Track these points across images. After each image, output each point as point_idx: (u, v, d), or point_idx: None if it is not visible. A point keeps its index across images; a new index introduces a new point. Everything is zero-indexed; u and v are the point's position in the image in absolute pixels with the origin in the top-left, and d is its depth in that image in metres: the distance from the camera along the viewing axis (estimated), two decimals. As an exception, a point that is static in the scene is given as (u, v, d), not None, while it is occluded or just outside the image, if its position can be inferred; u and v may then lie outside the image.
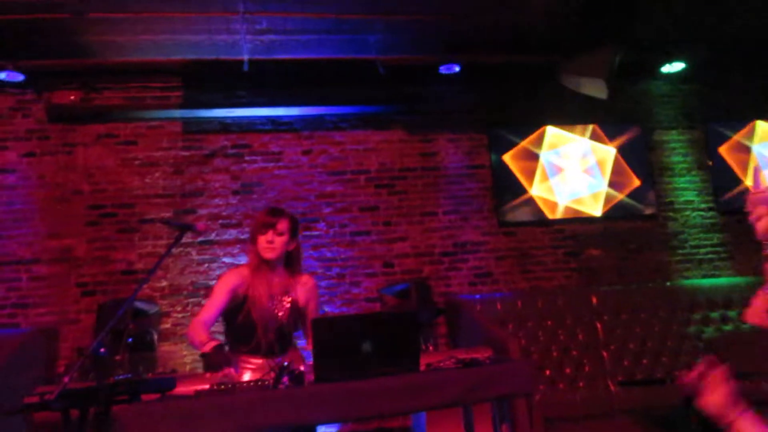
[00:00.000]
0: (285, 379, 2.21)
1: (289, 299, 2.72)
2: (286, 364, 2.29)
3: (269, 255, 2.69)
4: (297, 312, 2.74)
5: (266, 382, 2.24)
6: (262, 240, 2.69)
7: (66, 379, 2.28)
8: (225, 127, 4.76)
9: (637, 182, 5.14)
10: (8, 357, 3.68)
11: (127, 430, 1.98)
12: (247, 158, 4.74)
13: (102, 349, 2.46)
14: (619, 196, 5.10)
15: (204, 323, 2.58)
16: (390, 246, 4.76)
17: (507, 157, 4.99)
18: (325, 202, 4.73)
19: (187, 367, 4.32)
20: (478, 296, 4.57)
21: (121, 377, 2.41)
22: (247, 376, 2.58)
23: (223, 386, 2.20)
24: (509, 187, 4.95)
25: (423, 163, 4.94)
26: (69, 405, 2.46)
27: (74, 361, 3.75)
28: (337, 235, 4.70)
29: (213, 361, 2.34)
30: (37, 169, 4.55)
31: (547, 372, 4.26)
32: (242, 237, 4.61)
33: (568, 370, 4.29)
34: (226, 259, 4.55)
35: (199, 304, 4.45)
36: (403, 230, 4.80)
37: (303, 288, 2.78)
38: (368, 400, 2.11)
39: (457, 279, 4.79)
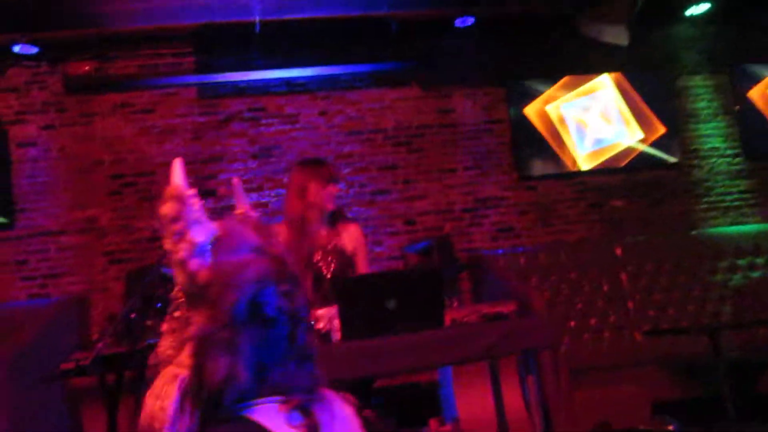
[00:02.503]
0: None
1: (338, 249, 2.73)
2: (312, 323, 2.32)
3: (332, 205, 2.70)
4: (345, 261, 2.74)
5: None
6: (326, 194, 2.68)
7: (100, 345, 2.34)
8: (240, 91, 4.73)
9: (660, 130, 5.03)
10: (43, 326, 3.78)
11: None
12: (263, 121, 4.72)
13: (132, 315, 2.51)
14: (643, 146, 5.01)
15: None
16: (410, 204, 4.75)
17: (526, 110, 4.91)
18: (343, 162, 4.72)
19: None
20: (500, 251, 4.56)
21: (153, 342, 2.46)
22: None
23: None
24: (529, 141, 4.88)
25: (440, 119, 4.88)
26: (104, 370, 2.53)
27: (107, 328, 3.83)
28: (357, 195, 4.70)
29: None
30: (57, 141, 4.59)
31: (572, 323, 4.27)
32: (263, 200, 4.63)
33: (593, 321, 4.30)
34: (248, 224, 4.58)
35: (224, 269, 4.51)
36: (423, 188, 4.78)
37: (349, 237, 2.79)
38: (394, 356, 2.14)
39: (478, 235, 4.78)
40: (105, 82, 4.63)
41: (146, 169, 4.60)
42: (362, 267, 2.85)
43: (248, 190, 4.64)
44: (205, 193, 2.96)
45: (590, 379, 3.62)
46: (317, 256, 2.69)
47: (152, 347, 2.63)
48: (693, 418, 3.33)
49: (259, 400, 1.00)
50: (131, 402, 2.52)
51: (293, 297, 1.06)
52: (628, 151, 4.99)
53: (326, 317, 2.41)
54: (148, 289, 3.42)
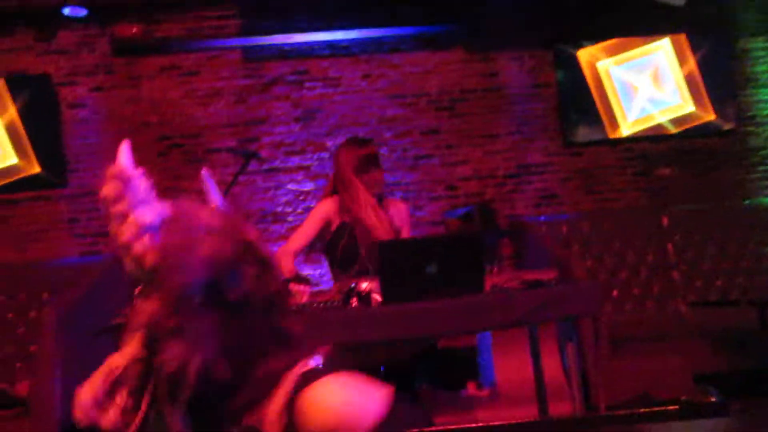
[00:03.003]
0: (353, 300, 2.28)
1: (388, 223, 2.77)
2: (353, 285, 2.35)
3: (378, 189, 2.74)
4: (395, 235, 2.79)
5: (335, 303, 2.31)
6: (369, 178, 2.72)
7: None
8: (284, 54, 4.73)
9: (716, 95, 4.83)
10: (94, 282, 3.93)
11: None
12: (307, 85, 4.72)
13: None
14: (695, 111, 4.83)
15: (289, 253, 2.68)
16: (452, 169, 4.72)
17: (574, 74, 4.77)
18: (386, 126, 4.70)
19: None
20: (542, 218, 4.51)
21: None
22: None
23: (293, 306, 2.29)
24: (576, 106, 4.76)
25: (484, 83, 4.79)
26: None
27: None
28: (399, 160, 4.68)
29: (292, 281, 2.45)
30: (106, 103, 4.69)
31: (615, 293, 4.22)
32: (305, 164, 4.67)
33: (636, 291, 4.24)
34: (291, 186, 4.64)
35: (268, 230, 4.59)
36: (465, 153, 4.73)
37: (396, 212, 2.83)
38: (434, 319, 2.16)
39: (521, 201, 4.73)
40: (151, 44, 4.69)
41: (192, 131, 4.68)
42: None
43: (290, 153, 4.68)
44: (247, 156, 3.00)
45: (631, 350, 3.59)
46: (369, 227, 2.72)
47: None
48: (736, 391, 3.28)
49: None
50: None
51: (263, 281, 0.98)
52: (680, 116, 4.82)
53: (305, 293, 2.47)
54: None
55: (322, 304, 2.31)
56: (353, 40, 4.70)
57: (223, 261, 0.95)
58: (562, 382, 3.02)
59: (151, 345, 0.93)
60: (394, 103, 4.73)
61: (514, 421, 2.92)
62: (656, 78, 4.82)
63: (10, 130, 4.56)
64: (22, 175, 4.55)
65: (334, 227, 2.74)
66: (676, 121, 4.82)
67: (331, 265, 2.84)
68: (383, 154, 4.65)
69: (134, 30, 4.70)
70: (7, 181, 4.54)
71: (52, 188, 4.60)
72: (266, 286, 0.98)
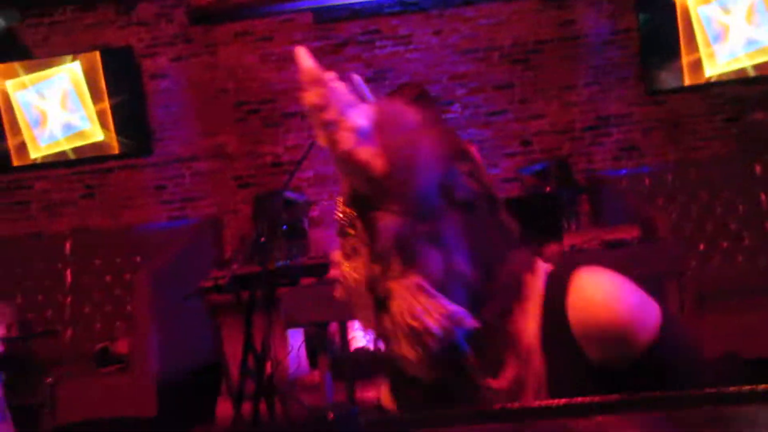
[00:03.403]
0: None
1: None
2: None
3: None
4: None
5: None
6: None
7: (235, 266, 2.55)
8: (354, 13, 4.70)
9: (817, 32, 4.44)
10: (183, 245, 4.16)
11: (290, 310, 2.20)
12: (378, 44, 4.70)
13: (262, 239, 2.70)
14: (793, 51, 4.46)
15: None
16: (527, 124, 4.60)
17: (657, 17, 4.50)
18: (458, 83, 4.62)
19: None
20: (623, 171, 4.35)
21: (281, 264, 2.65)
22: None
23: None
24: (660, 51, 4.50)
25: (560, 33, 4.59)
26: (239, 288, 2.77)
27: (239, 249, 4.16)
28: (473, 116, 4.61)
29: None
30: (186, 72, 4.85)
31: (701, 246, 4.04)
32: (378, 124, 4.68)
33: (724, 245, 4.04)
34: (364, 147, 4.67)
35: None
36: (541, 107, 4.60)
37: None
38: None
39: (599, 155, 4.57)
40: (225, 11, 4.77)
41: (267, 96, 4.77)
42: None
43: (363, 114, 4.70)
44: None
45: (719, 306, 3.46)
46: None
47: (281, 269, 2.82)
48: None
49: None
50: (263, 318, 2.75)
51: (477, 176, 0.89)
52: (776, 58, 4.47)
53: None
54: (274, 213, 3.64)
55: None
56: (423, -6, 4.61)
57: (445, 157, 0.87)
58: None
59: (407, 259, 0.83)
60: (465, 58, 4.63)
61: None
62: (750, 13, 4.47)
63: (100, 103, 4.80)
64: (111, 146, 4.81)
65: None
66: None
67: None
68: (455, 111, 4.60)
69: (208, -2, 4.79)
70: (97, 152, 4.82)
71: (138, 157, 4.84)
72: (481, 181, 0.89)
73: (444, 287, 0.82)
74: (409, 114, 0.89)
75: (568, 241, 2.32)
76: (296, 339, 3.58)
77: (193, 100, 4.86)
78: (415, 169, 0.84)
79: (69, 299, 4.29)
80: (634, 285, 0.85)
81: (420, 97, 2.77)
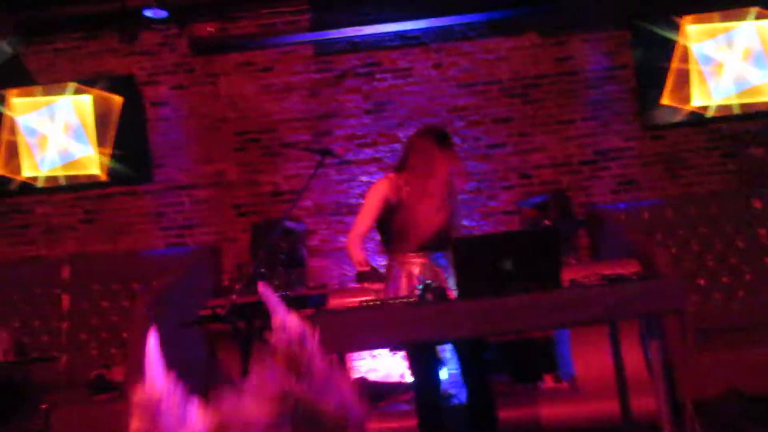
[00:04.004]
0: (429, 295, 2.30)
1: (444, 200, 2.77)
2: (429, 282, 2.37)
3: (464, 185, 2.76)
4: (450, 212, 2.80)
5: (411, 299, 2.34)
6: (453, 169, 2.74)
7: (234, 297, 2.54)
8: (354, 46, 4.77)
9: (811, 71, 4.51)
10: (182, 272, 4.14)
11: (289, 341, 2.17)
12: (377, 76, 4.75)
13: (262, 270, 2.69)
14: (789, 89, 4.53)
15: (362, 236, 2.75)
16: (526, 157, 4.64)
17: (652, 53, 4.57)
18: (457, 115, 4.67)
19: (335, 281, 4.60)
20: (622, 205, 4.37)
21: (280, 294, 2.62)
22: (416, 270, 2.69)
23: (371, 303, 2.34)
24: (656, 86, 4.56)
25: (558, 68, 4.66)
26: (237, 318, 2.75)
27: (237, 277, 4.13)
28: (471, 149, 4.64)
29: (366, 277, 2.50)
30: (187, 100, 4.89)
31: (701, 281, 4.04)
32: (377, 155, 4.71)
33: (724, 279, 4.05)
34: (364, 177, 4.69)
35: (342, 222, 4.67)
36: (539, 140, 4.64)
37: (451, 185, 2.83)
38: (510, 316, 2.14)
39: (598, 188, 4.60)
40: (227, 42, 4.84)
41: (267, 126, 4.81)
42: (458, 217, 2.93)
43: (362, 146, 4.73)
44: (322, 153, 3.04)
45: (720, 341, 3.44)
46: (429, 198, 2.74)
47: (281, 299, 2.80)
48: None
49: None
50: (261, 348, 2.73)
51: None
52: (772, 95, 4.54)
53: (379, 290, 2.50)
54: (274, 242, 3.64)
55: (397, 301, 2.34)
56: (423, 29, 4.68)
57: None
58: (645, 376, 2.94)
59: None
60: (465, 91, 4.69)
61: (595, 416, 2.87)
62: (743, 53, 4.54)
63: (101, 129, 4.83)
64: (111, 172, 4.82)
65: (393, 204, 2.76)
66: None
67: (385, 240, 2.86)
68: (455, 143, 4.62)
69: (211, 29, 4.86)
70: (98, 177, 4.82)
71: (139, 184, 4.85)
72: None
73: None
74: (248, 419, 0.97)
75: (567, 275, 2.31)
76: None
77: (193, 129, 4.89)
78: None
79: (66, 324, 4.25)
80: None
81: (442, 137, 2.84)
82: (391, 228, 2.78)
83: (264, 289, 1.17)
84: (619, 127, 4.62)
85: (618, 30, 4.64)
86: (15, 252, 4.86)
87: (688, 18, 4.56)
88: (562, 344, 3.38)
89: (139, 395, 0.98)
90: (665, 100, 4.57)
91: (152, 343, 1.07)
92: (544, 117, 4.64)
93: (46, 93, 4.86)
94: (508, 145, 4.65)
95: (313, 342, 1.09)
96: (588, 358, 3.16)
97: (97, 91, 4.83)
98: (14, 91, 4.85)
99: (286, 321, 1.11)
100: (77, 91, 4.83)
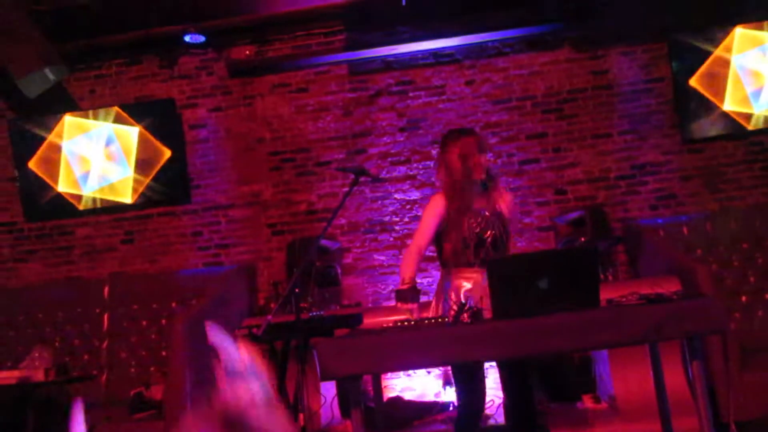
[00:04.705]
0: (464, 316, 2.29)
1: (496, 213, 2.77)
2: (464, 302, 2.36)
3: (480, 175, 2.74)
4: (503, 224, 2.79)
5: (446, 319, 2.33)
6: (471, 162, 2.73)
7: (270, 317, 2.56)
8: (388, 65, 4.81)
9: None
10: (218, 291, 4.20)
11: (324, 361, 2.19)
12: (411, 94, 4.78)
13: (297, 290, 2.71)
14: (834, 99, 4.39)
15: (418, 251, 2.76)
16: (561, 173, 4.59)
17: (691, 66, 4.50)
18: (491, 132, 4.65)
19: (369, 299, 4.61)
20: (660, 220, 4.29)
21: (315, 314, 2.65)
22: (468, 285, 2.68)
23: (405, 323, 2.33)
24: (695, 99, 4.48)
25: (594, 82, 4.62)
26: (273, 337, 2.78)
27: (273, 295, 4.17)
28: (506, 165, 4.62)
29: (402, 296, 2.51)
30: (224, 122, 4.99)
31: (743, 299, 3.93)
32: (411, 173, 4.72)
33: (768, 297, 3.93)
34: (398, 195, 4.71)
35: (376, 240, 4.69)
36: (575, 155, 4.59)
37: (506, 205, 2.82)
38: (546, 337, 2.12)
39: (635, 203, 4.52)
40: (263, 64, 4.93)
41: (302, 146, 4.87)
42: (513, 234, 2.89)
43: (396, 163, 4.75)
44: (357, 173, 3.06)
45: (764, 361, 3.33)
46: (475, 222, 2.73)
47: (315, 319, 2.82)
48: None
49: None
50: (296, 368, 2.75)
51: None
52: (816, 105, 4.41)
53: (414, 310, 2.49)
54: (309, 260, 3.67)
55: (433, 321, 2.33)
56: (456, 47, 4.70)
57: None
58: (687, 395, 2.86)
59: None
60: (498, 107, 4.68)
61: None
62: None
63: (143, 151, 4.96)
64: (152, 193, 4.94)
65: (447, 220, 2.77)
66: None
67: (441, 255, 2.87)
68: (489, 158, 4.59)
69: (247, 52, 4.96)
70: (138, 199, 4.95)
71: (177, 204, 4.96)
72: None
73: None
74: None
75: (604, 293, 2.28)
76: (329, 388, 3.56)
77: (230, 149, 4.98)
78: None
79: (106, 343, 4.35)
80: None
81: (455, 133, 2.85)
82: (442, 244, 2.79)
83: (211, 331, 1.07)
84: (656, 140, 4.55)
85: (655, 42, 4.58)
86: (57, 272, 5.00)
87: (726, 29, 4.48)
88: (600, 363, 3.32)
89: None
90: (704, 113, 4.48)
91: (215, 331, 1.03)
92: (580, 132, 4.60)
93: (88, 118, 5.02)
94: (543, 160, 4.62)
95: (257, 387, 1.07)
96: (628, 378, 3.09)
97: (135, 114, 4.97)
98: (58, 116, 5.02)
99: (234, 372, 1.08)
100: (118, 116, 4.98)
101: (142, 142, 4.95)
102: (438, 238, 2.82)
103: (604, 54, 4.63)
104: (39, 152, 5.03)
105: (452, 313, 2.34)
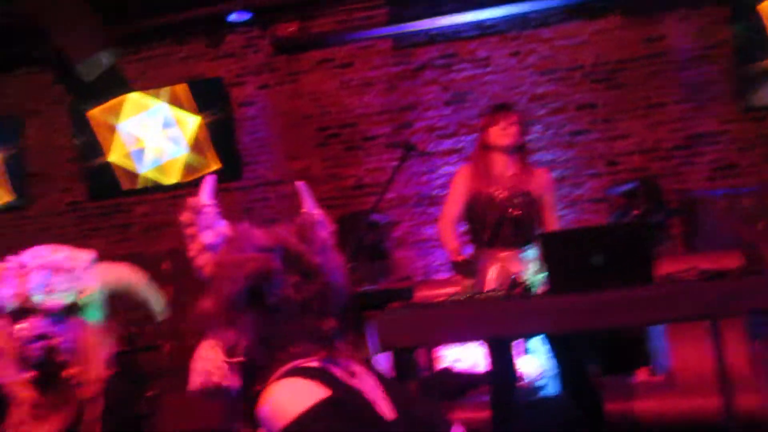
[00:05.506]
0: (516, 290, 2.29)
1: (524, 192, 2.76)
2: (515, 277, 2.37)
3: (506, 141, 2.74)
4: (532, 204, 2.77)
5: (499, 293, 2.34)
6: (496, 129, 2.74)
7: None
8: (431, 38, 4.76)
9: None
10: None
11: (379, 333, 2.24)
12: (455, 68, 4.73)
13: (349, 266, 2.75)
14: None
15: (452, 222, 2.80)
16: (612, 144, 4.48)
17: (752, 30, 4.29)
18: (538, 104, 4.57)
19: (419, 272, 4.64)
20: (719, 192, 4.15)
21: (368, 288, 2.69)
22: (493, 269, 2.68)
23: (458, 296, 2.36)
24: (756, 65, 4.28)
25: (647, 49, 4.45)
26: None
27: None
28: (555, 137, 4.54)
29: (462, 269, 2.54)
30: (272, 99, 5.04)
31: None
32: (457, 147, 4.70)
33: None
34: (445, 169, 4.69)
35: (425, 213, 4.70)
36: (626, 126, 4.46)
37: (537, 181, 2.80)
38: (599, 312, 2.11)
39: (691, 175, 4.38)
40: (308, 40, 4.95)
41: (348, 121, 4.89)
42: (549, 212, 2.86)
43: (443, 137, 4.73)
44: (407, 148, 3.08)
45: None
46: (502, 195, 2.73)
47: (369, 293, 2.87)
48: None
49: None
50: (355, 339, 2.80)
51: (303, 288, 1.19)
52: None
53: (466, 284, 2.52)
54: (359, 235, 3.71)
55: (484, 295, 2.35)
56: (500, 18, 4.60)
57: (264, 274, 1.19)
58: (749, 371, 2.81)
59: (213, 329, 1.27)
60: (546, 79, 4.58)
61: (693, 412, 2.77)
62: None
63: (195, 130, 5.07)
64: (205, 171, 5.06)
65: (475, 193, 2.77)
66: None
67: (468, 230, 2.87)
68: (536, 131, 4.53)
69: (291, 29, 4.98)
70: (192, 177, 5.08)
71: (229, 181, 5.06)
72: (304, 292, 1.19)
73: (232, 354, 1.23)
74: (252, 240, 1.24)
75: (661, 269, 2.24)
76: (382, 360, 3.61)
77: (278, 126, 5.04)
78: (227, 280, 1.21)
79: (167, 316, 4.52)
80: (290, 394, 1.11)
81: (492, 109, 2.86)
82: (474, 220, 2.80)
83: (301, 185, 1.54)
84: (715, 109, 4.38)
85: (714, 6, 4.38)
86: (119, 249, 5.19)
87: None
88: (656, 337, 3.28)
89: (190, 200, 1.46)
90: (765, 79, 4.29)
91: (209, 182, 1.52)
92: (632, 102, 4.46)
93: (142, 98, 5.15)
94: (593, 131, 4.51)
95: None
96: (686, 352, 3.04)
97: (186, 93, 5.07)
98: (114, 98, 5.17)
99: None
100: (171, 96, 5.09)
101: (194, 121, 5.06)
102: (465, 215, 2.82)
103: (658, 19, 4.46)
104: (97, 133, 5.20)
105: (504, 287, 2.35)
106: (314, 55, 4.97)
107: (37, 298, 1.51)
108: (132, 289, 1.69)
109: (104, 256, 5.07)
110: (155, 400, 3.55)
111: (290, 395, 1.10)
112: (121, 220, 5.26)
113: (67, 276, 1.55)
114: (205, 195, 1.47)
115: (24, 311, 1.51)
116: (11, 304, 1.51)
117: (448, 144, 4.73)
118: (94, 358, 1.61)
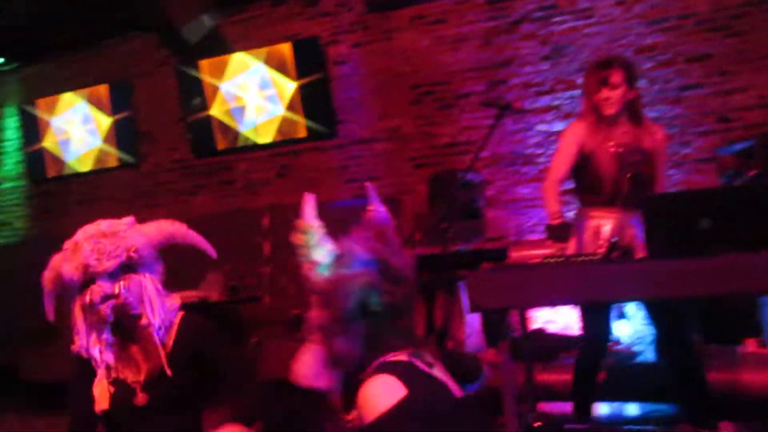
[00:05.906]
0: (615, 254, 2.24)
1: (637, 150, 2.67)
2: (615, 240, 2.30)
3: (609, 110, 2.65)
4: (647, 162, 2.69)
5: (596, 257, 2.29)
6: (598, 98, 2.65)
7: (417, 248, 2.67)
8: (529, -11, 4.58)
9: None
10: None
11: (473, 294, 2.26)
12: (555, 20, 4.53)
13: (443, 225, 2.79)
14: None
15: (559, 182, 2.75)
16: (726, 98, 4.16)
17: None
18: (644, 56, 4.30)
19: (512, 232, 4.59)
20: None
21: (462, 248, 2.71)
22: (607, 227, 2.63)
23: (554, 259, 2.33)
24: None
25: (772, -8, 4.08)
26: (421, 269, 2.89)
27: (416, 227, 4.29)
28: (661, 92, 4.28)
29: (555, 234, 2.50)
30: (364, 58, 5.07)
31: None
32: (554, 103, 4.54)
33: None
34: (541, 127, 4.57)
35: (518, 172, 4.62)
36: (745, 79, 4.11)
37: (650, 138, 2.70)
38: (703, 279, 2.01)
39: (819, 132, 4.02)
40: (400, -3, 4.90)
41: (441, 78, 4.84)
42: (660, 172, 2.77)
43: (539, 93, 4.58)
44: (502, 107, 3.01)
45: None
46: (619, 151, 2.64)
47: (462, 253, 2.89)
48: None
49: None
50: (444, 299, 2.85)
51: (394, 293, 1.41)
52: None
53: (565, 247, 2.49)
54: (452, 194, 3.72)
55: (581, 259, 2.31)
56: (606, -37, 4.35)
57: (369, 287, 1.41)
58: None
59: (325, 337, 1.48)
60: (653, 29, 4.30)
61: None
62: None
63: (292, 90, 5.21)
64: (301, 130, 5.21)
65: (586, 152, 2.70)
66: None
67: (578, 190, 2.81)
68: (641, 86, 4.28)
69: (384, -15, 4.94)
70: (289, 135, 5.24)
71: (325, 139, 5.18)
72: (396, 297, 1.42)
73: (338, 360, 1.46)
74: (358, 256, 1.43)
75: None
76: (475, 318, 3.64)
77: (371, 84, 5.07)
78: (341, 296, 1.41)
79: (268, 269, 4.76)
80: (383, 389, 1.34)
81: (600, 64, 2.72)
82: (581, 179, 2.73)
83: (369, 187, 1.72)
84: None
85: None
86: (222, 204, 5.49)
87: None
88: (767, 306, 3.10)
89: (299, 223, 1.61)
90: None
91: (309, 202, 1.68)
92: (752, 52, 4.09)
93: (243, 59, 5.32)
94: (705, 85, 4.21)
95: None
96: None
97: (284, 53, 5.19)
98: (217, 59, 5.37)
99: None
100: (270, 57, 5.23)
101: (292, 81, 5.18)
102: (575, 173, 2.74)
103: (785, -41, 4.06)
104: (202, 92, 5.46)
105: (602, 250, 2.30)
106: (406, 12, 4.92)
107: (93, 264, 1.66)
108: (175, 237, 1.82)
109: (210, 211, 5.43)
110: (258, 346, 3.78)
111: (377, 393, 1.33)
112: (224, 177, 5.53)
113: (113, 239, 1.70)
114: (309, 215, 1.63)
115: (87, 282, 1.67)
116: (76, 279, 1.68)
117: (544, 101, 4.59)
118: (162, 306, 1.76)
